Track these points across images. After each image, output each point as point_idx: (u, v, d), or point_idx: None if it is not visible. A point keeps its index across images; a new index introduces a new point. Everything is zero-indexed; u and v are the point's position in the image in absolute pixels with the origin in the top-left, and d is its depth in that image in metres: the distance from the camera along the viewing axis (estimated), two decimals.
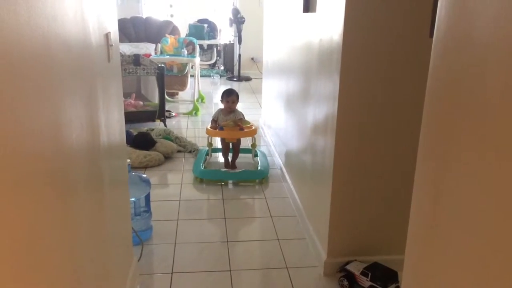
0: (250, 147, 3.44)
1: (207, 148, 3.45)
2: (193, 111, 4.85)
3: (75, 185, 1.13)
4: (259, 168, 3.17)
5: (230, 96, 3.29)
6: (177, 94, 5.51)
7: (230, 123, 3.19)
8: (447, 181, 0.94)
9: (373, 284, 1.81)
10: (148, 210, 2.33)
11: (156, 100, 4.38)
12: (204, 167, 3.18)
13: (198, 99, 5.19)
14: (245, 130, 3.24)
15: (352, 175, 1.95)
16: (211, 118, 3.46)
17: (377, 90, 1.86)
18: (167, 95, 4.97)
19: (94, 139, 1.32)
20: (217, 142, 3.59)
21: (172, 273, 2.03)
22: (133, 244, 2.05)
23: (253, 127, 3.30)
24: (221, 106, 3.40)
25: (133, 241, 2.04)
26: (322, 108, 2.11)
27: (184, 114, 4.85)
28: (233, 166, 3.29)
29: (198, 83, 5.17)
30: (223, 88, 6.60)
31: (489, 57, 0.80)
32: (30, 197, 0.82)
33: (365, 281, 1.84)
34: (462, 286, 0.90)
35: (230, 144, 3.34)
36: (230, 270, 2.06)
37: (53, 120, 0.95)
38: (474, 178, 0.84)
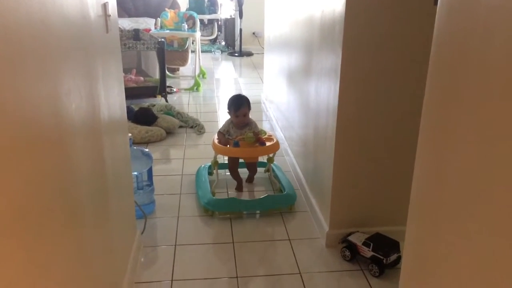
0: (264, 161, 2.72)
1: (208, 164, 2.71)
2: (195, 86, 4.82)
3: (76, 158, 1.13)
4: (285, 191, 2.43)
5: (240, 109, 2.44)
6: (178, 69, 5.46)
7: (250, 134, 2.39)
8: (450, 150, 0.93)
9: (375, 254, 1.83)
10: (150, 184, 2.34)
11: (157, 75, 4.34)
12: (213, 194, 2.41)
13: (199, 75, 5.15)
14: (267, 143, 2.45)
15: (354, 148, 1.94)
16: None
17: (380, 62, 1.84)
18: (168, 71, 4.93)
19: (94, 111, 1.31)
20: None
21: (175, 245, 2.06)
22: (137, 218, 2.06)
23: (274, 139, 2.52)
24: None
25: (136, 214, 2.06)
26: (324, 81, 2.09)
27: (185, 89, 4.83)
28: (252, 180, 2.67)
29: (199, 58, 5.13)
30: (224, 64, 6.56)
31: (495, 19, 0.78)
32: (29, 164, 0.82)
33: (367, 251, 1.85)
34: (462, 256, 0.90)
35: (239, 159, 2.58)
36: (233, 242, 2.08)
37: (52, 89, 0.94)
38: (478, 145, 0.83)
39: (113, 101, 1.60)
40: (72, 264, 1.07)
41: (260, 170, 2.72)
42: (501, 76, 0.76)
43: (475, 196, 0.85)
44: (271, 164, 2.63)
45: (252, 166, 2.62)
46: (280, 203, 2.35)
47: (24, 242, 0.79)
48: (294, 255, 2.00)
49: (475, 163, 0.85)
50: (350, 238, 1.93)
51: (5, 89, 0.71)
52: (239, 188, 2.57)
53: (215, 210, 2.27)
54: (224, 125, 2.54)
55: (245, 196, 2.55)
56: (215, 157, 2.56)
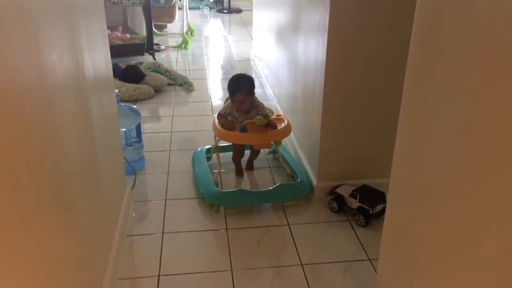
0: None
1: (206, 147, 2.40)
2: (183, 44, 4.74)
3: (61, 111, 1.12)
4: (298, 178, 2.13)
5: (236, 94, 2.05)
6: (165, 26, 5.35)
7: (259, 116, 2.04)
8: (433, 101, 0.94)
9: (361, 205, 1.87)
10: (139, 140, 2.34)
11: (143, 32, 4.25)
12: (216, 184, 2.10)
13: (188, 32, 5.05)
14: (278, 126, 2.06)
15: (341, 102, 1.95)
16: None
17: (367, 16, 1.81)
18: (155, 28, 4.83)
19: (78, 63, 1.29)
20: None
21: (166, 200, 2.08)
22: (126, 174, 2.08)
23: (285, 120, 2.13)
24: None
25: (126, 170, 2.07)
26: (312, 37, 2.06)
27: (173, 47, 4.74)
28: (251, 167, 2.34)
29: (187, 15, 5.01)
30: (213, 21, 6.41)
31: None
32: (9, 117, 0.81)
33: (354, 203, 1.90)
34: (442, 201, 0.93)
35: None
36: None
37: (31, 37, 0.92)
38: (462, 99, 0.84)
39: (97, 55, 1.57)
40: (62, 220, 1.08)
41: (262, 151, 2.40)
42: (483, 23, 0.76)
43: (455, 147, 0.87)
44: (279, 147, 2.32)
45: (257, 151, 2.30)
46: (295, 193, 2.06)
47: (12, 199, 0.79)
48: (283, 207, 2.04)
49: (457, 115, 0.86)
50: (338, 190, 1.97)
51: None
52: (239, 173, 2.29)
53: (221, 205, 2.00)
54: (225, 107, 2.13)
55: (251, 182, 2.26)
56: (216, 142, 2.21)
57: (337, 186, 1.99)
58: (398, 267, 1.19)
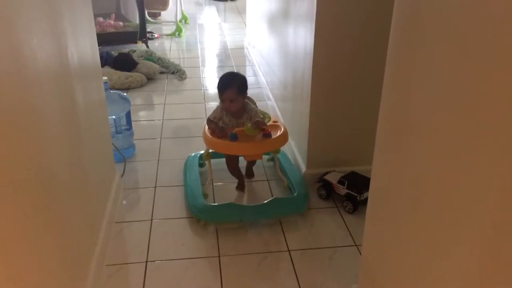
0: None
1: (200, 153, 2.21)
2: (176, 32, 4.72)
3: (42, 99, 1.11)
4: (295, 192, 1.93)
5: (225, 92, 1.86)
6: (159, 14, 5.32)
7: (248, 124, 1.81)
8: (413, 84, 0.95)
9: (349, 192, 1.88)
10: (129, 128, 2.34)
11: (136, 20, 4.23)
12: (205, 196, 1.94)
13: (182, 20, 5.02)
14: (272, 134, 1.86)
15: (329, 89, 1.95)
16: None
17: (355, 4, 1.81)
18: (149, 16, 4.81)
19: (61, 49, 1.28)
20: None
21: (155, 187, 2.09)
22: (116, 161, 2.08)
23: (282, 127, 1.92)
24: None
25: (116, 158, 2.07)
26: (301, 25, 2.06)
27: (167, 35, 4.73)
28: (251, 173, 2.15)
29: (181, 3, 4.98)
30: (207, 9, 6.37)
31: None
32: None
33: (342, 189, 1.90)
34: (423, 186, 0.93)
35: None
36: (212, 184, 2.11)
37: (5, 21, 0.91)
38: (442, 82, 0.84)
39: (82, 41, 1.56)
40: (46, 208, 1.08)
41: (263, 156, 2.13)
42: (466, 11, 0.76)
43: (435, 135, 0.87)
44: (277, 155, 2.11)
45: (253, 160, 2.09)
46: (291, 209, 1.87)
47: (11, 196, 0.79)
48: (272, 193, 2.04)
49: (435, 103, 0.86)
50: (326, 177, 1.97)
51: None
52: (240, 187, 2.06)
53: (208, 220, 1.81)
54: (215, 111, 1.93)
55: (246, 194, 2.06)
56: (207, 149, 2.02)
57: (325, 173, 2.00)
58: (381, 251, 1.20)
